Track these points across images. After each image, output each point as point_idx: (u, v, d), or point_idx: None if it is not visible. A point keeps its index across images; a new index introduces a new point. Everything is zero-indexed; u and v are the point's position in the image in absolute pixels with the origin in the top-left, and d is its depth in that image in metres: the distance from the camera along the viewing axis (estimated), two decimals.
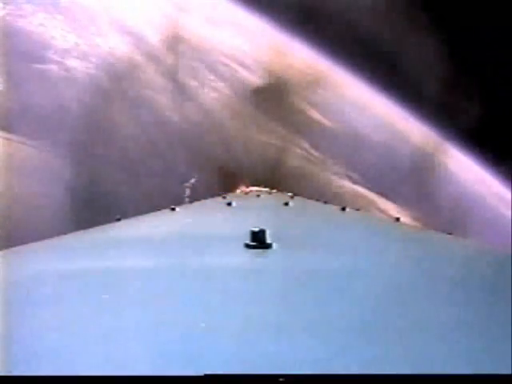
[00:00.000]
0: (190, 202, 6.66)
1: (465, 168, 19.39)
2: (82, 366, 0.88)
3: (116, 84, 15.29)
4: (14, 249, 2.32)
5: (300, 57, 18.17)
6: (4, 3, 14.73)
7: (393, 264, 1.98)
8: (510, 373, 0.84)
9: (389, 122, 19.36)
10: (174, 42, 17.08)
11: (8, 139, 12.96)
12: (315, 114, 18.58)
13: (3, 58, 12.94)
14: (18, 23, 14.77)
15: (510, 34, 13.25)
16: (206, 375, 0.80)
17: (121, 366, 0.87)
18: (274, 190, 11.10)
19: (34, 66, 14.59)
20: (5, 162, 12.29)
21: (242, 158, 16.63)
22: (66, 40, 15.90)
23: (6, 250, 2.24)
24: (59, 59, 15.41)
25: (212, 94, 18.03)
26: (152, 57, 16.86)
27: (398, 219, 4.60)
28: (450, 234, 3.57)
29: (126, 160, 14.50)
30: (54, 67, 15.21)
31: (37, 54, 14.97)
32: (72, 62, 15.61)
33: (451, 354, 0.95)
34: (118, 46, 16.61)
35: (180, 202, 6.26)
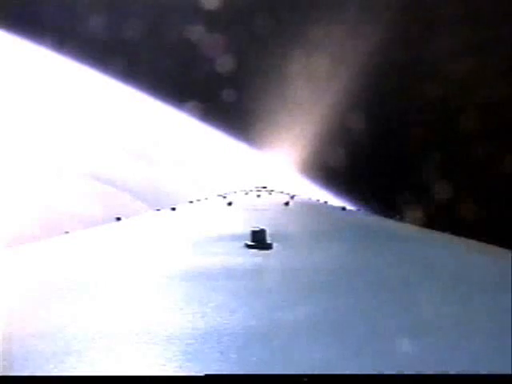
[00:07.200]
0: (191, 201, 6.65)
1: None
2: (82, 366, 0.88)
3: None
4: (14, 249, 2.33)
5: None
6: None
7: (393, 263, 1.98)
8: (510, 373, 0.84)
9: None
10: None
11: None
12: None
13: None
14: None
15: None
16: (206, 375, 0.80)
17: (121, 366, 0.87)
18: (274, 190, 11.08)
19: None
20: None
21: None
22: None
23: (5, 250, 2.24)
24: None
25: None
26: None
27: (397, 219, 4.60)
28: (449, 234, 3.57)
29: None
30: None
31: None
32: None
33: (451, 353, 0.95)
34: None
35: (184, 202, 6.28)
